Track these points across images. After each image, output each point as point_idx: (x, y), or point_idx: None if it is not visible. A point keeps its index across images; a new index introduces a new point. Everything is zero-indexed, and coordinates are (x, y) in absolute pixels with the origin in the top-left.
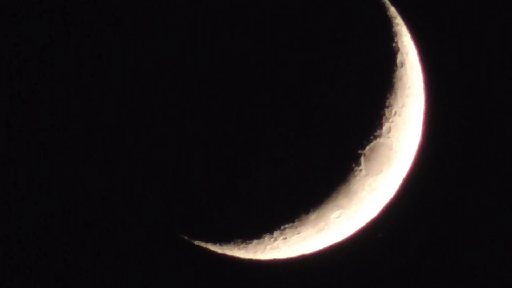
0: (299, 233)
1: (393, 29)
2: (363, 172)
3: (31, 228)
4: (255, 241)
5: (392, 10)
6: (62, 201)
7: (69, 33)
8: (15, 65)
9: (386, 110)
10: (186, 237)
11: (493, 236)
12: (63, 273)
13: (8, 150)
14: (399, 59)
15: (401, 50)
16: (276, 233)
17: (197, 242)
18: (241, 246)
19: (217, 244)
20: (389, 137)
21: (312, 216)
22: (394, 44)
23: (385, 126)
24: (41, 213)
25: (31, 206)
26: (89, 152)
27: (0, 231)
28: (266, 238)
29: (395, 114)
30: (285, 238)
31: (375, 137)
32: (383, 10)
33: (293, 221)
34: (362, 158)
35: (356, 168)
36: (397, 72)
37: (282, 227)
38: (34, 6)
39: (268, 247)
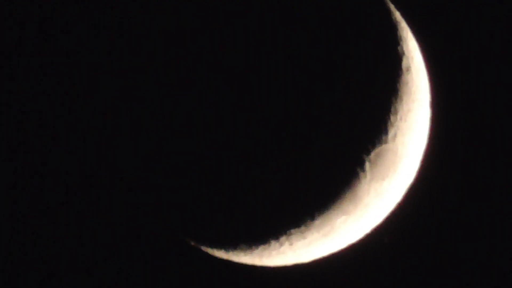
0: (304, 238)
1: (398, 34)
2: (368, 177)
3: (33, 230)
4: (260, 247)
5: (397, 15)
6: (69, 207)
7: (71, 33)
8: (17, 65)
9: (392, 115)
10: (192, 243)
11: (500, 241)
12: (68, 277)
13: (11, 151)
14: (404, 64)
15: (406, 54)
16: (281, 239)
17: (203, 248)
18: (247, 251)
19: (223, 250)
20: (394, 142)
21: (318, 221)
22: (399, 49)
23: (391, 131)
24: (44, 216)
25: (32, 208)
26: (94, 156)
27: (5, 232)
28: (272, 243)
29: (400, 119)
30: (290, 244)
31: (381, 142)
32: (389, 14)
33: (298, 226)
34: (367, 163)
35: (361, 173)
36: (402, 77)
37: (287, 232)
38: (36, 6)
39: (274, 252)
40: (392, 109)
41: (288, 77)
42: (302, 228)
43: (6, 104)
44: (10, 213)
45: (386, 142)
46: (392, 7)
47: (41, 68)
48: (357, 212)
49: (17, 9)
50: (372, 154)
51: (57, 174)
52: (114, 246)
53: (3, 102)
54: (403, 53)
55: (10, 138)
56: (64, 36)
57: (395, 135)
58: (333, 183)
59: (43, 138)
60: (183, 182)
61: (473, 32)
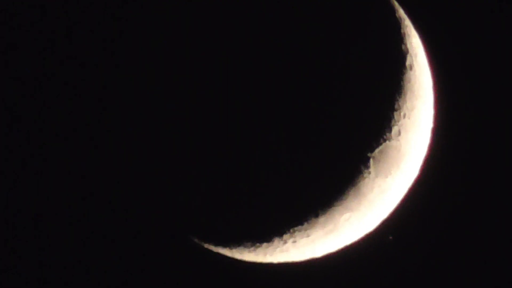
0: (308, 235)
1: (402, 31)
2: (372, 175)
3: (33, 230)
4: (264, 244)
5: (401, 12)
6: (70, 206)
7: (71, 33)
8: (17, 66)
9: (395, 113)
10: (196, 240)
11: (504, 238)
12: (69, 277)
13: (12, 152)
14: (408, 61)
15: (410, 52)
16: (285, 236)
17: (206, 245)
18: (251, 249)
19: (227, 247)
20: (398, 140)
21: (322, 218)
22: (403, 46)
23: (394, 129)
24: (45, 216)
25: (33, 209)
26: (97, 155)
27: (5, 232)
28: (276, 240)
29: (404, 116)
30: (294, 241)
31: (384, 140)
32: (392, 12)
33: (302, 224)
34: (371, 161)
35: (365, 170)
36: (406, 75)
37: (291, 230)
38: (36, 6)
39: (278, 250)
40: (396, 107)
41: (292, 75)
42: (306, 225)
43: (5, 104)
44: (11, 214)
45: (389, 139)
46: (395, 4)
47: (41, 68)
48: (360, 209)
49: (17, 9)
50: (376, 151)
51: (58, 174)
52: (116, 244)
53: (2, 102)
54: (407, 51)
55: (10, 139)
56: (64, 36)
57: (398, 132)
58: (336, 180)
59: (43, 138)
60: (187, 181)
61: (477, 29)
